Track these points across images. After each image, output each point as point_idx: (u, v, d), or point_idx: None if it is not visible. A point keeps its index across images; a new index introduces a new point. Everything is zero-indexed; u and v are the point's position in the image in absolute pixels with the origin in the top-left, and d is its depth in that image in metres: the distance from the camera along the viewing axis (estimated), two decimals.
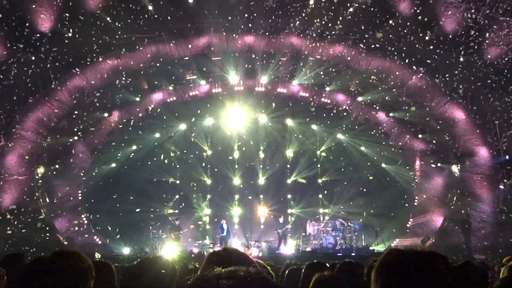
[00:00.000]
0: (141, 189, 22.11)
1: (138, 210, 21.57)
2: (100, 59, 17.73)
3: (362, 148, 23.42)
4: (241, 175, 23.90)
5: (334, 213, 22.99)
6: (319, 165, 24.25)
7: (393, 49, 18.03)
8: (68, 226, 19.11)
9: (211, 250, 20.03)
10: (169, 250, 18.60)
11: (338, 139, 23.85)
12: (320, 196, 23.89)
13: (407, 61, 18.17)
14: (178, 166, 23.67)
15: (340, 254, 17.04)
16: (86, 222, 20.37)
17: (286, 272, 5.11)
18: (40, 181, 18.09)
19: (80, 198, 20.46)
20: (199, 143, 23.86)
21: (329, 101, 22.04)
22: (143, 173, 22.58)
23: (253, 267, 1.98)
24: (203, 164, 23.95)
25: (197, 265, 5.30)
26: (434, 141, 20.38)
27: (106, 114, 20.24)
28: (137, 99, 20.84)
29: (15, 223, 16.38)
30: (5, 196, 16.49)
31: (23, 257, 4.81)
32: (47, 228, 17.75)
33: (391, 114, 21.10)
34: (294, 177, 23.99)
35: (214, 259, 2.17)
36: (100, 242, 20.27)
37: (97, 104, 19.53)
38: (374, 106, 21.40)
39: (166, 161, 23.36)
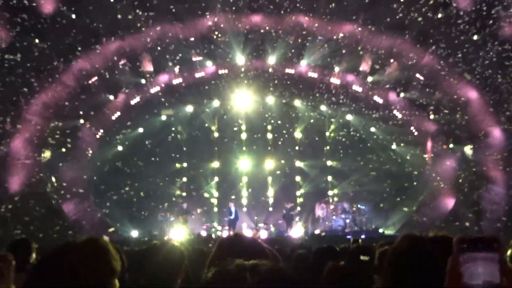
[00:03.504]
0: (147, 172, 22.23)
1: (142, 194, 21.73)
2: (105, 41, 17.65)
3: (372, 130, 23.28)
4: (248, 158, 23.92)
5: (343, 195, 22.99)
6: (328, 147, 24.18)
7: (405, 27, 17.75)
8: (76, 209, 19.31)
9: (219, 233, 20.29)
10: (177, 233, 18.79)
11: (348, 120, 23.71)
12: (330, 178, 23.88)
13: (419, 40, 17.89)
14: (185, 149, 23.72)
15: (350, 237, 17.07)
16: (93, 205, 20.58)
17: (295, 257, 5.12)
18: (47, 165, 18.23)
19: (87, 181, 20.62)
20: (206, 126, 23.86)
21: (338, 82, 21.85)
22: (149, 156, 22.67)
23: (265, 255, 1.98)
24: (211, 147, 23.98)
25: (204, 249, 5.33)
26: (446, 122, 20.19)
27: (111, 97, 20.24)
28: (143, 81, 20.80)
29: (23, 207, 16.58)
30: (13, 180, 16.66)
31: (31, 243, 4.86)
32: (55, 212, 17.95)
33: (402, 95, 20.90)
34: (301, 161, 23.99)
35: (225, 246, 2.17)
36: (108, 225, 20.51)
37: (102, 86, 19.52)
38: (385, 86, 21.18)
39: (173, 143, 23.41)
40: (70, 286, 1.75)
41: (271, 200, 23.89)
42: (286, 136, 24.28)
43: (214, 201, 23.66)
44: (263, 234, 19.37)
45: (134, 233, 20.08)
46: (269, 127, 24.22)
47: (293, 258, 5.10)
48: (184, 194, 23.41)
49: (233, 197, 23.05)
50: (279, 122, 24.15)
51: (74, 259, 1.84)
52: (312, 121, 24.18)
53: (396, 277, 1.88)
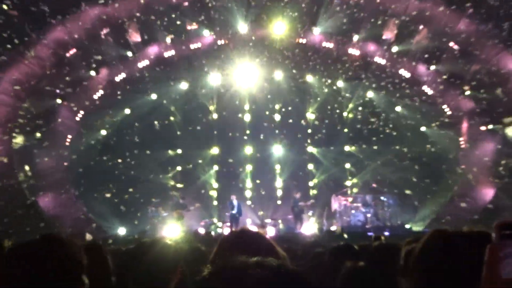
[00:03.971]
0: (136, 160, 22.34)
1: (130, 189, 21.86)
2: (84, 7, 17.58)
3: (398, 108, 23.19)
4: (253, 143, 23.95)
5: (363, 186, 23.01)
6: (346, 129, 24.15)
7: None
8: (53, 204, 19.45)
9: (219, 231, 20.41)
10: (171, 230, 18.92)
11: (369, 98, 23.63)
12: (348, 165, 23.90)
13: (453, 3, 17.70)
14: (179, 133, 23.78)
15: (371, 234, 17.12)
16: (74, 198, 20.73)
17: (311, 256, 5.15)
18: (19, 152, 18.30)
19: (66, 170, 20.74)
20: (204, 105, 23.86)
21: (358, 53, 21.71)
22: (138, 141, 22.75)
23: (275, 255, 2.00)
24: (209, 131, 24.02)
25: (202, 248, 5.36)
26: (485, 99, 20.05)
27: (93, 73, 20.22)
28: (129, 54, 20.75)
29: None
30: None
31: (3, 242, 4.90)
32: (29, 207, 18.08)
33: (433, 67, 20.73)
34: (314, 147, 24.00)
35: (228, 243, 2.20)
36: (91, 221, 20.67)
37: (82, 61, 19.50)
38: (413, 57, 21.04)
39: (165, 127, 23.47)
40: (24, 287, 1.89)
41: (279, 192, 23.99)
42: (297, 117, 24.27)
43: (214, 193, 23.80)
44: (270, 231, 19.50)
45: (121, 231, 20.24)
46: (276, 107, 24.21)
47: (309, 258, 5.14)
48: (178, 185, 23.53)
49: (239, 188, 23.18)
50: (289, 101, 24.13)
51: (28, 258, 1.94)
52: (327, 99, 24.12)
53: (424, 279, 1.88)
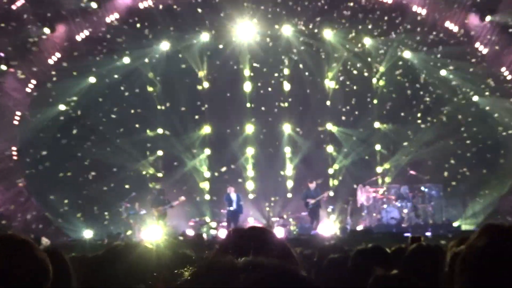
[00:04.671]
0: (105, 143, 22.30)
1: (98, 181, 21.86)
2: None
3: (443, 73, 23.06)
4: (255, 119, 23.91)
5: (398, 173, 23.00)
6: (375, 101, 24.06)
7: None
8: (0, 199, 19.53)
9: (213, 232, 20.48)
10: (151, 232, 18.99)
11: (405, 59, 23.50)
12: (378, 147, 23.87)
13: None
14: (160, 107, 23.73)
15: (409, 234, 17.17)
16: (25, 192, 20.75)
17: (325, 263, 5.14)
18: None
19: (15, 157, 20.74)
20: (191, 71, 23.76)
21: (390, 0, 21.57)
22: (107, 119, 22.70)
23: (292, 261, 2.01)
24: (198, 104, 23.95)
25: (189, 253, 5.37)
26: None
27: (47, 30, 20.11)
28: (94, 5, 20.63)
29: None
30: None
31: None
32: None
33: (488, 18, 20.57)
34: (335, 124, 23.96)
35: (231, 245, 2.21)
36: (47, 222, 20.72)
37: (33, 14, 19.39)
38: (462, 5, 20.88)
39: (141, 99, 23.38)
40: None
41: (289, 183, 24.01)
42: (312, 86, 24.17)
43: (205, 185, 23.82)
44: (279, 232, 19.53)
45: (87, 233, 20.29)
46: (285, 72, 24.09)
47: (324, 265, 5.13)
48: (159, 175, 23.59)
49: (238, 177, 23.17)
50: (301, 65, 24.00)
51: None
52: (350, 62, 24.02)
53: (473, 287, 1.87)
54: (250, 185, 23.82)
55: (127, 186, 22.08)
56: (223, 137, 23.95)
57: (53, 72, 21.53)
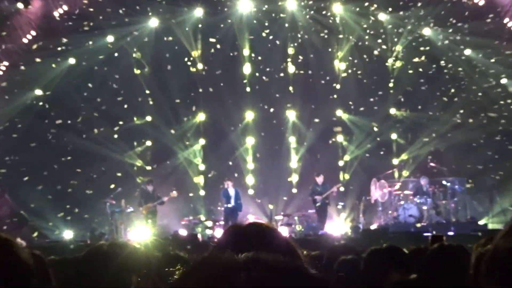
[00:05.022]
0: (87, 131, 22.26)
1: (79, 175, 21.87)
2: None
3: (468, 52, 23.00)
4: (256, 105, 23.88)
5: (418, 166, 22.97)
6: (391, 84, 24.01)
7: None
8: None
9: (208, 232, 20.48)
10: (140, 233, 19.01)
11: (425, 37, 23.45)
12: (394, 136, 23.85)
13: None
14: (148, 92, 23.67)
15: (429, 234, 17.20)
16: None
17: (336, 265, 5.19)
18: None
19: None
20: (184, 51, 23.72)
21: None
22: (89, 105, 22.65)
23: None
24: (192, 88, 23.90)
25: (182, 254, 5.40)
26: None
27: (20, 5, 20.06)
28: None
29: None
30: None
31: None
32: None
33: None
34: (345, 111, 23.91)
35: (230, 241, 2.24)
36: (23, 221, 20.72)
37: None
38: None
39: (127, 83, 23.30)
40: None
41: (294, 177, 24.03)
42: (320, 67, 24.11)
43: (200, 179, 23.81)
44: (283, 232, 19.57)
45: (68, 234, 20.33)
46: (289, 52, 24.04)
47: (333, 268, 5.17)
48: (148, 168, 23.63)
49: (237, 170, 23.13)
50: (307, 44, 23.97)
51: None
52: (363, 40, 23.98)
53: None
54: (250, 180, 23.80)
55: (112, 181, 22.03)
56: (220, 126, 23.95)
57: (28, 52, 21.45)
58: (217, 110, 23.90)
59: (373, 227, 20.36)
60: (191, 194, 23.39)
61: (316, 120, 23.96)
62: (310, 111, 24.02)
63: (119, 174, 22.66)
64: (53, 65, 22.36)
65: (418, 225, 19.39)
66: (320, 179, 21.16)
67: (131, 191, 21.67)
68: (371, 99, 23.92)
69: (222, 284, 1.26)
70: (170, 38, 23.66)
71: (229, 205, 20.71)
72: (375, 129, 23.83)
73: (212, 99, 23.92)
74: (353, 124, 23.95)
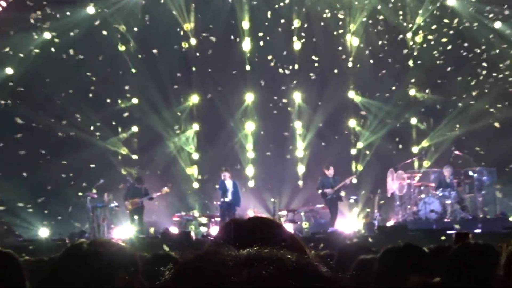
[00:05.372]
0: (64, 115, 22.24)
1: (56, 163, 21.88)
2: None
3: (497, 25, 22.97)
4: (257, 86, 23.87)
5: (441, 154, 22.97)
6: (411, 61, 23.99)
7: None
8: None
9: (203, 230, 20.51)
10: (125, 230, 19.06)
11: (449, 7, 23.43)
12: (414, 120, 23.85)
13: None
14: (134, 71, 23.65)
15: (453, 232, 17.19)
16: None
17: (354, 266, 5.15)
18: None
19: None
20: (174, 23, 23.71)
21: None
22: (67, 85, 22.61)
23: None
24: (184, 65, 23.88)
25: (173, 254, 5.41)
26: None
27: None
28: None
29: None
30: None
31: None
32: None
33: None
34: (358, 92, 23.87)
35: (225, 238, 2.18)
36: None
37: None
38: None
39: (111, 60, 23.27)
40: None
41: (300, 168, 24.08)
42: (329, 43, 24.09)
43: (193, 170, 23.86)
44: (287, 229, 19.63)
45: (43, 232, 20.39)
46: (295, 24, 24.01)
47: (344, 270, 5.14)
48: (135, 156, 23.68)
49: (235, 160, 23.15)
50: (315, 16, 23.95)
51: None
52: (377, 11, 23.96)
53: None
54: (250, 170, 23.86)
55: (93, 172, 22.05)
56: (216, 109, 23.99)
57: None
58: (213, 91, 23.94)
59: (390, 224, 20.38)
60: (183, 187, 23.38)
61: (323, 103, 23.89)
62: (319, 92, 24.01)
63: (101, 164, 22.58)
64: (26, 40, 22.33)
65: (444, 220, 19.40)
66: (330, 172, 21.09)
67: (115, 183, 21.71)
68: (388, 79, 23.86)
69: (221, 283, 1.24)
70: (160, 9, 23.57)
71: (226, 199, 20.64)
72: (392, 113, 23.77)
73: (207, 79, 23.95)
74: (367, 108, 23.95)
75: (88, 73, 22.80)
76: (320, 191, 21.12)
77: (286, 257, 1.33)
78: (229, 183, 20.86)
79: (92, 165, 22.22)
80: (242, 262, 1.28)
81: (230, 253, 1.33)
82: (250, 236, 2.06)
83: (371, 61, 24.01)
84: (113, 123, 23.37)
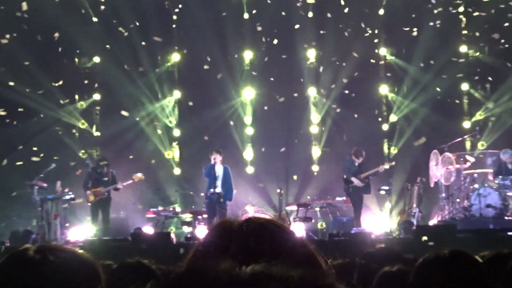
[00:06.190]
0: (6, 76, 22.29)
1: None
2: None
3: None
4: (256, 41, 23.90)
5: (501, 132, 23.01)
6: (461, 9, 23.87)
7: None
8: None
9: (188, 230, 20.53)
10: (83, 230, 19.18)
11: None
12: (465, 86, 23.87)
13: None
14: (96, 19, 23.57)
15: None
16: None
17: (378, 278, 5.27)
18: None
19: None
20: None
21: None
22: (10, 38, 22.68)
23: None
24: (162, 12, 23.90)
25: (147, 263, 5.50)
26: None
27: None
28: None
29: None
30: None
31: None
32: None
33: None
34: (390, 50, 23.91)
35: (215, 246, 2.27)
36: None
37: None
38: None
39: (67, 8, 23.24)
40: None
41: (315, 150, 24.19)
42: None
43: (174, 152, 24.00)
44: (297, 230, 19.66)
45: None
46: None
47: (371, 284, 5.25)
48: (96, 133, 23.85)
49: (230, 142, 23.24)
50: None
51: None
52: None
53: None
54: (249, 153, 23.95)
55: (41, 153, 22.12)
56: (203, 71, 23.99)
57: None
58: (200, 47, 23.90)
59: (433, 222, 20.44)
60: (160, 174, 23.42)
61: (346, 63, 23.90)
62: (339, 49, 23.96)
63: (52, 143, 22.60)
64: None
65: (504, 218, 19.45)
66: (355, 157, 20.76)
67: (71, 168, 21.73)
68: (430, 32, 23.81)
69: None
70: None
71: (216, 191, 20.26)
72: (437, 76, 23.75)
73: (192, 31, 23.92)
74: (403, 69, 23.93)
75: (36, 23, 22.74)
76: (345, 176, 20.82)
77: (300, 275, 1.38)
78: (219, 169, 20.33)
79: (41, 144, 22.26)
80: (245, 283, 1.33)
81: (228, 269, 1.37)
82: (246, 244, 2.12)
83: (409, 9, 23.92)
84: (68, 88, 23.33)
